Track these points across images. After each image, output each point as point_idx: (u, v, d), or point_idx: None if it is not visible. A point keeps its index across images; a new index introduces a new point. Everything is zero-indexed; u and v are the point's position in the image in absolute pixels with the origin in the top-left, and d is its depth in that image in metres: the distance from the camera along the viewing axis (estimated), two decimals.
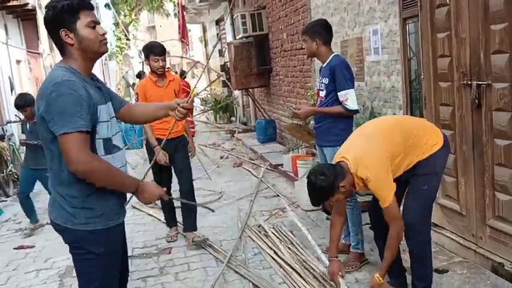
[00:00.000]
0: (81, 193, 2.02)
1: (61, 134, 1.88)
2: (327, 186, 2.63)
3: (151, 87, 4.26)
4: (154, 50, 4.18)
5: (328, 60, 3.60)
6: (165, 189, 2.22)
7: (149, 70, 4.37)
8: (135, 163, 7.94)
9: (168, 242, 4.50)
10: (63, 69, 1.98)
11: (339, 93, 3.48)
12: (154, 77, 4.27)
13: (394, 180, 2.74)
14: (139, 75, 12.76)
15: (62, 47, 2.04)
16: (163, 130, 4.12)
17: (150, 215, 5.43)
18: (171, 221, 4.67)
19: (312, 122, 6.32)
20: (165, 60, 4.24)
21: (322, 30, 3.62)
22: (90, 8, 2.05)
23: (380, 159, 2.65)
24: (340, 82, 3.46)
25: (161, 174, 4.44)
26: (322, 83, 3.63)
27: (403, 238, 2.89)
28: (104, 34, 2.07)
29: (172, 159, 4.34)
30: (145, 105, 2.93)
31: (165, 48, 4.29)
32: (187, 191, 4.40)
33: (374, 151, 2.68)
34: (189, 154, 4.61)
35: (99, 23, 2.07)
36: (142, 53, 4.57)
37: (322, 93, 3.61)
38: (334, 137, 3.53)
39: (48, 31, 2.05)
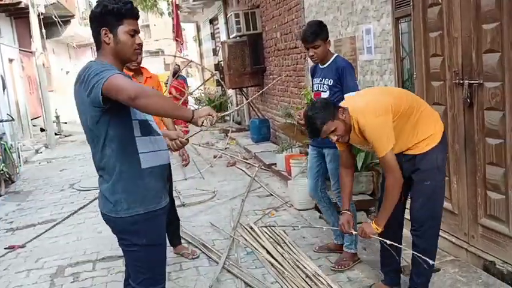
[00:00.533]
0: (120, 177, 2.08)
1: (105, 81, 1.89)
2: (324, 109, 2.67)
3: None
4: None
5: (330, 61, 3.52)
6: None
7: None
8: None
9: (194, 259, 4.04)
10: (97, 63, 2.07)
11: (346, 95, 3.35)
12: (129, 72, 3.90)
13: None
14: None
15: (99, 43, 2.13)
16: None
17: None
18: (176, 239, 4.16)
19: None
20: (141, 54, 3.95)
21: (327, 31, 3.54)
22: (136, 17, 2.15)
23: (381, 109, 2.62)
24: (350, 84, 3.40)
25: None
26: (323, 84, 3.52)
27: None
28: (140, 44, 2.17)
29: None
30: None
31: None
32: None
33: (375, 102, 2.68)
34: (182, 163, 4.27)
35: (139, 33, 2.17)
36: None
37: (325, 95, 3.49)
38: None
39: (91, 25, 2.14)
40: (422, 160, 2.75)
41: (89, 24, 2.31)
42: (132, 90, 1.88)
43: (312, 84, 3.71)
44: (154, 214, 2.16)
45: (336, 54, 3.61)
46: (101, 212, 2.20)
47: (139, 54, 2.19)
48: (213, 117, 2.06)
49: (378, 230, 2.75)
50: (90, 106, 2.01)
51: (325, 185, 3.77)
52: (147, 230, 2.14)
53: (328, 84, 3.49)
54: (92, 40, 2.23)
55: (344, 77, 3.41)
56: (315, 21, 3.65)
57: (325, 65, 3.54)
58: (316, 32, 3.45)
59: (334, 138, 2.73)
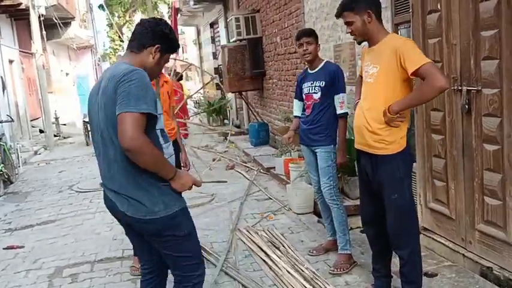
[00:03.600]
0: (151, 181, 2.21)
1: (125, 113, 2.04)
2: (355, 1, 2.74)
3: None
4: None
5: (321, 66, 3.72)
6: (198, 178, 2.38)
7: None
8: None
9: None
10: (127, 64, 2.22)
11: (336, 96, 3.60)
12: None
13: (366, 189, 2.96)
14: None
15: (141, 48, 2.29)
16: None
17: None
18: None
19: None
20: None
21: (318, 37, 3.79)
22: (177, 53, 2.45)
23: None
24: (341, 86, 3.62)
25: None
26: (314, 86, 3.69)
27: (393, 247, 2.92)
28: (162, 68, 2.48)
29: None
30: None
31: None
32: None
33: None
34: (182, 169, 4.08)
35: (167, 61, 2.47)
36: None
37: (316, 96, 3.67)
38: (326, 137, 3.64)
39: (147, 30, 2.30)
40: (384, 166, 2.76)
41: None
42: (128, 141, 2.02)
43: (301, 90, 3.82)
44: (186, 208, 2.35)
45: (326, 60, 3.83)
46: (129, 216, 2.23)
47: (160, 75, 2.47)
48: (189, 188, 2.28)
49: (389, 113, 2.66)
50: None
51: None
52: (184, 223, 2.32)
53: (320, 86, 3.65)
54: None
55: (337, 79, 3.61)
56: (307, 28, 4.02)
57: (315, 70, 3.73)
58: (311, 31, 3.80)
59: (348, 29, 2.84)
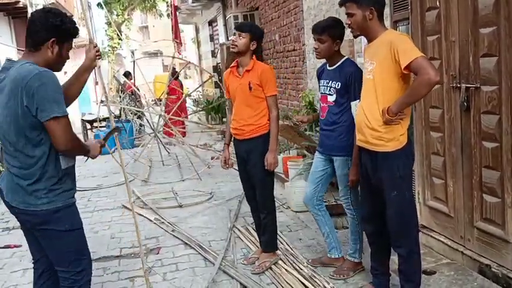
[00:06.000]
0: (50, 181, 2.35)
1: (51, 119, 2.18)
2: None
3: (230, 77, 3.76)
4: None
5: (338, 64, 3.34)
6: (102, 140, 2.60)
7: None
8: (125, 163, 7.87)
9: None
10: (31, 64, 2.24)
11: (353, 102, 3.19)
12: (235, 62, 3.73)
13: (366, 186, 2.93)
14: (126, 75, 12.76)
15: (37, 45, 2.31)
16: (234, 129, 3.71)
17: (140, 214, 5.40)
18: None
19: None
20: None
21: (342, 30, 3.32)
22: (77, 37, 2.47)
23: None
24: (358, 91, 3.07)
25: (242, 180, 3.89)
26: (330, 87, 3.33)
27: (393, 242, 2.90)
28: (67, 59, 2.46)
29: (243, 166, 3.76)
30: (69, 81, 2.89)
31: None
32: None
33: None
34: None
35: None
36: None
37: (331, 98, 3.32)
38: (346, 143, 3.27)
39: (41, 28, 2.29)
40: (384, 163, 2.75)
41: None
42: (66, 144, 2.25)
43: (319, 86, 3.53)
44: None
45: (346, 57, 3.40)
46: (15, 207, 2.36)
47: (63, 66, 2.48)
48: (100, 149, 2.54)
49: (388, 115, 2.63)
50: (28, 114, 2.20)
51: (324, 192, 3.57)
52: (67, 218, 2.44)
53: (335, 88, 3.30)
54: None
55: (353, 83, 3.20)
56: (333, 17, 3.56)
57: (332, 67, 3.37)
58: (327, 26, 3.30)
59: (347, 21, 2.80)
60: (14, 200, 2.35)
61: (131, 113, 10.61)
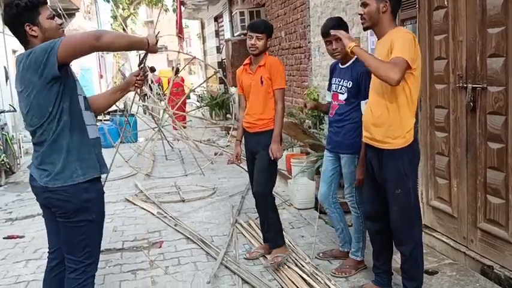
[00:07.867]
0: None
1: (58, 47, 2.08)
2: None
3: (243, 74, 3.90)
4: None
5: (351, 62, 3.34)
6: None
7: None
8: (128, 156, 7.90)
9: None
10: (37, 47, 2.17)
11: (363, 102, 3.17)
12: (249, 60, 3.89)
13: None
14: (153, 70, 12.79)
15: (26, 41, 2.27)
16: (247, 123, 3.77)
17: (142, 208, 5.41)
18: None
19: (308, 120, 6.35)
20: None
21: (346, 28, 3.32)
22: (46, 3, 2.33)
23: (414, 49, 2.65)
24: (368, 90, 3.01)
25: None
26: (341, 85, 3.34)
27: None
28: (61, 24, 2.36)
29: (252, 159, 3.78)
30: (101, 94, 2.89)
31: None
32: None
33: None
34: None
35: (55, 15, 2.36)
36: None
37: (342, 97, 3.34)
38: (354, 141, 3.28)
39: (12, 27, 2.27)
40: (389, 160, 2.74)
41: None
42: (91, 36, 2.11)
43: (330, 84, 3.52)
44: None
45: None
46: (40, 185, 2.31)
47: (63, 32, 2.35)
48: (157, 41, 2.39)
49: (350, 46, 2.72)
50: (44, 85, 2.15)
51: (337, 189, 3.60)
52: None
53: (346, 87, 3.31)
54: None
55: (362, 82, 3.20)
56: (334, 17, 3.60)
57: (345, 65, 3.38)
58: (337, 26, 3.23)
59: (360, 11, 2.79)
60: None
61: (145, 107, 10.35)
